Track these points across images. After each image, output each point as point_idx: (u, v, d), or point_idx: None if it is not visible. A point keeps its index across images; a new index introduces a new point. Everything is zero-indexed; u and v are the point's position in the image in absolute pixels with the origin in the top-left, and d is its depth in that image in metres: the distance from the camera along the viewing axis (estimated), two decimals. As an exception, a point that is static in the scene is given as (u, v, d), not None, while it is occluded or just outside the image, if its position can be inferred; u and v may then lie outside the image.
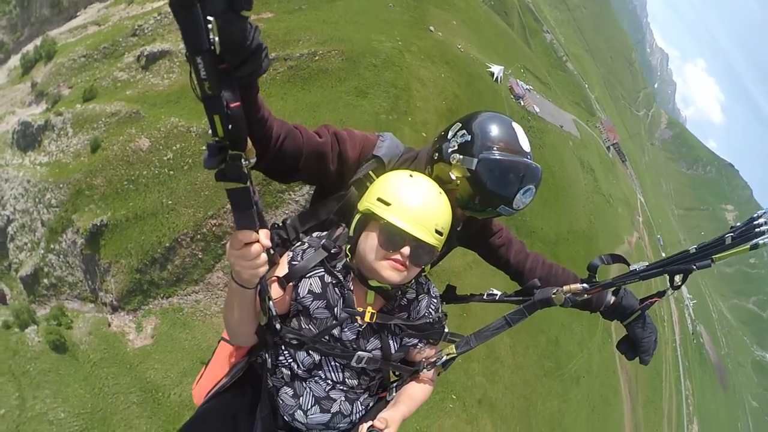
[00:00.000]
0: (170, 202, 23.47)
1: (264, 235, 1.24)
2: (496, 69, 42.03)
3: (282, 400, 1.63)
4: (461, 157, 1.59)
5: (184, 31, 0.78)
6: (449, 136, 1.67)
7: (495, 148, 1.56)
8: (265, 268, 1.30)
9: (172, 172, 24.26)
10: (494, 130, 1.59)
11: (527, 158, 1.59)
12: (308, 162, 1.59)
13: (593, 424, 39.19)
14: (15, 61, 50.73)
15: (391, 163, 1.73)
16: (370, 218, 1.49)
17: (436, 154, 1.69)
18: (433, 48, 34.83)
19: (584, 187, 55.48)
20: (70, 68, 40.01)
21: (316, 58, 31.34)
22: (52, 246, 26.79)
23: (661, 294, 1.67)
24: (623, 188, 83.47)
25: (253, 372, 1.72)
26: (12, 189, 29.77)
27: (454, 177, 1.61)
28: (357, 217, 1.53)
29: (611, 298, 1.85)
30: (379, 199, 1.46)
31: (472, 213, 1.70)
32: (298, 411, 1.59)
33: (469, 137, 1.60)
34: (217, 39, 0.81)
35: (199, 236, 23.03)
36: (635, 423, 47.89)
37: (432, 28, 36.80)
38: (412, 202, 1.44)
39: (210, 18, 0.78)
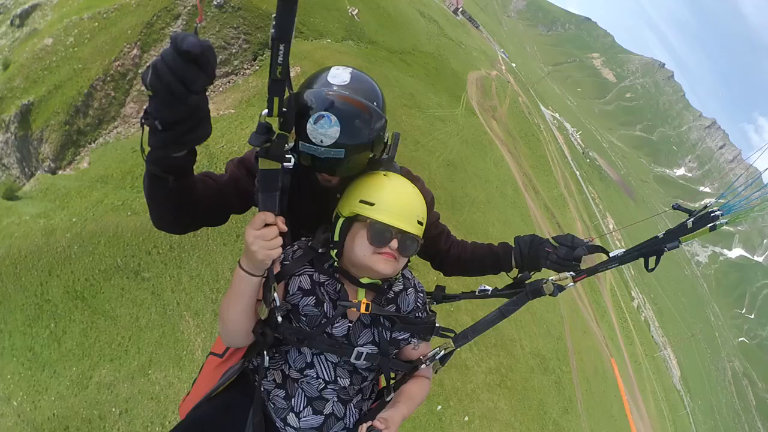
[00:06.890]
0: (80, 66, 29.56)
1: (281, 221, 1.30)
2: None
3: (273, 403, 1.60)
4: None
5: (281, 20, 0.89)
6: None
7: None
8: (279, 251, 1.33)
9: (76, 48, 30.58)
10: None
11: (330, 89, 1.39)
12: (235, 196, 1.61)
13: (470, 155, 38.32)
14: None
15: None
16: (354, 220, 1.52)
17: None
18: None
19: (426, 29, 60.52)
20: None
21: None
22: (-13, 158, 28.68)
23: (591, 272, 1.67)
24: (478, 43, 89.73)
25: (245, 377, 1.70)
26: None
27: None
28: (341, 221, 1.55)
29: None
30: (362, 201, 1.51)
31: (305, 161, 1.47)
32: (290, 414, 1.58)
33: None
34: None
35: (108, 78, 28.81)
36: (524, 174, 50.49)
37: None
38: (393, 199, 1.51)
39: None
